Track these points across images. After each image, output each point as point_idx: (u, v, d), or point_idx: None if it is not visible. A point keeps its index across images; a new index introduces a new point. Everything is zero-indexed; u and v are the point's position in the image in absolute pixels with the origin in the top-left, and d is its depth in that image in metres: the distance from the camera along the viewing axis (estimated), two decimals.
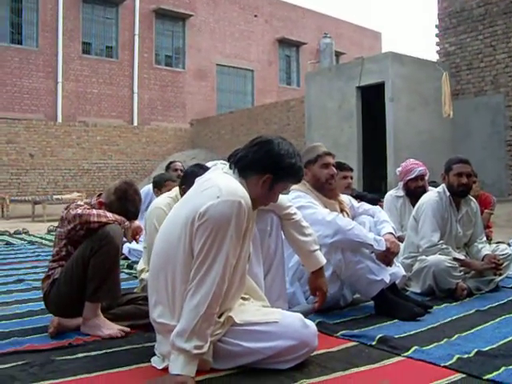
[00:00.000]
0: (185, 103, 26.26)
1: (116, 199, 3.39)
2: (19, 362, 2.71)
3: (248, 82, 29.29)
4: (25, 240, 9.06)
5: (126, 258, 6.14)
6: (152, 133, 21.54)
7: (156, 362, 2.63)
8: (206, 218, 2.35)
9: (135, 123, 23.87)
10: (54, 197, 15.95)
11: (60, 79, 22.71)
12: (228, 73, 28.30)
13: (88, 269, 3.18)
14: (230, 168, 2.64)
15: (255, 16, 29.09)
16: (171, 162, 7.15)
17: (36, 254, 7.15)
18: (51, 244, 8.13)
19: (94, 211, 3.24)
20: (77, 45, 23.44)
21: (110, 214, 3.28)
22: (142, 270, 4.29)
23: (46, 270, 5.44)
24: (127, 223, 3.36)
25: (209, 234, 2.35)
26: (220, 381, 2.47)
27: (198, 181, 2.65)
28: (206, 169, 3.26)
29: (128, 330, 3.23)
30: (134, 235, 3.46)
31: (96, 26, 24.24)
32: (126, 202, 3.40)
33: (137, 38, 24.79)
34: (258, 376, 2.49)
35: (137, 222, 3.49)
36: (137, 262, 5.39)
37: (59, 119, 22.04)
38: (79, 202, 3.42)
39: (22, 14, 22.54)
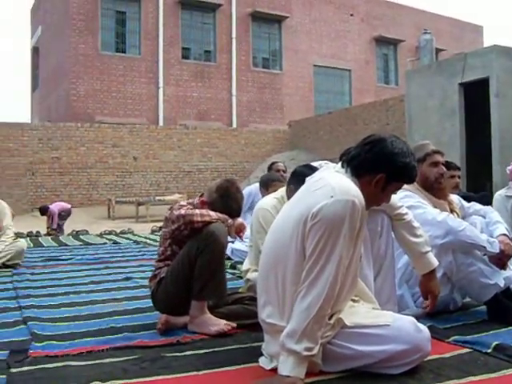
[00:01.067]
0: (282, 105, 26.35)
1: (218, 197, 3.41)
2: (131, 357, 2.78)
3: (345, 82, 29.01)
4: (130, 239, 9.37)
5: (229, 258, 6.19)
6: (251, 135, 21.74)
7: (264, 362, 2.62)
8: (320, 218, 2.31)
9: (234, 125, 24.19)
10: (157, 198, 16.42)
11: (161, 84, 23.39)
12: (325, 73, 28.14)
13: (194, 268, 3.21)
14: (342, 167, 2.59)
15: (351, 15, 28.78)
16: (273, 163, 7.14)
17: (142, 253, 7.37)
18: (155, 244, 8.37)
19: (197, 211, 3.27)
20: (176, 50, 24.07)
21: (213, 213, 3.30)
22: (247, 270, 4.30)
23: (152, 268, 5.67)
24: (230, 221, 3.37)
25: (322, 234, 2.31)
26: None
27: (309, 180, 2.61)
28: (315, 169, 3.21)
29: (235, 325, 3.23)
30: (238, 232, 3.47)
31: (194, 31, 24.79)
32: (228, 200, 3.41)
33: (234, 41, 25.14)
34: (368, 380, 2.42)
35: (240, 220, 3.50)
36: (240, 263, 5.43)
37: (161, 123, 22.70)
38: (182, 203, 3.47)
39: (126, 24, 23.46)
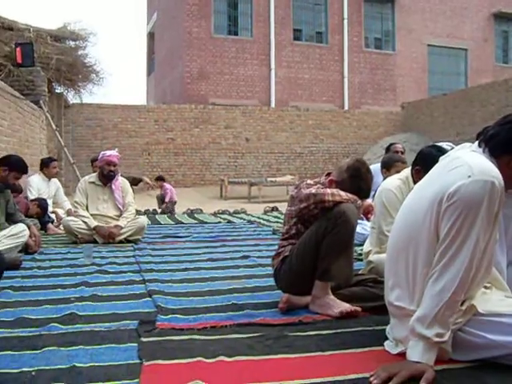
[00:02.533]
0: (395, 86, 25.70)
1: (348, 177, 3.33)
2: (255, 334, 2.78)
3: (461, 62, 27.79)
4: (244, 219, 9.47)
5: None
6: (363, 116, 21.39)
7: (389, 346, 2.53)
8: (456, 199, 2.19)
9: (346, 107, 23.88)
10: (268, 179, 16.54)
11: (273, 66, 23.45)
12: (439, 53, 27.08)
13: (321, 247, 3.16)
14: (479, 146, 2.44)
15: None
16: (391, 144, 6.96)
17: (256, 232, 7.42)
18: (269, 224, 8.43)
19: (328, 190, 3.21)
20: (288, 32, 24.00)
21: (343, 193, 3.22)
22: (368, 252, 4.20)
23: (268, 248, 5.71)
24: (359, 202, 3.29)
25: (458, 215, 2.19)
26: (460, 373, 2.29)
27: (444, 159, 2.48)
28: (443, 150, 3.07)
29: (359, 308, 3.15)
30: (366, 214, 3.39)
31: (306, 12, 24.60)
32: (358, 181, 3.32)
33: (346, 22, 24.73)
34: (501, 372, 2.27)
35: (368, 201, 3.42)
36: (357, 245, 5.32)
37: (272, 104, 22.80)
38: (309, 181, 3.41)
39: (238, 7, 23.65)
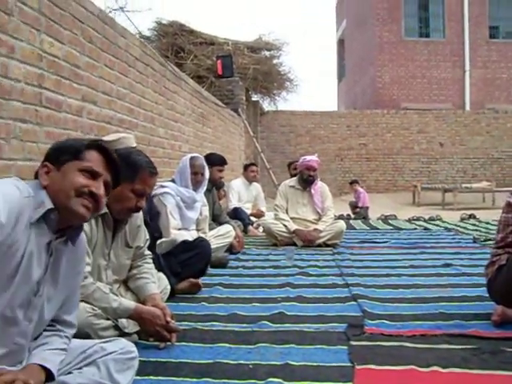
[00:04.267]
0: None
1: None
2: (468, 346, 2.68)
3: None
4: (440, 226, 9.15)
5: None
6: None
7: None
8: None
9: None
10: (463, 185, 15.83)
11: (467, 67, 22.39)
12: None
13: None
14: None
15: None
16: None
17: (456, 240, 7.13)
18: (467, 232, 8.06)
19: None
20: (483, 30, 22.76)
21: None
22: None
23: (470, 256, 5.48)
24: None
25: None
26: None
27: None
28: None
29: None
30: None
31: (504, 8, 23.15)
32: None
33: None
34: None
35: None
36: None
37: (467, 107, 21.77)
38: None
39: (429, 8, 22.91)
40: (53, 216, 1.73)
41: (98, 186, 1.82)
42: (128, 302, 2.67)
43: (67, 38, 3.97)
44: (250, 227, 7.68)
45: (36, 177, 1.83)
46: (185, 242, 4.24)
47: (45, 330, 1.90)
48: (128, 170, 2.66)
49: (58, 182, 1.78)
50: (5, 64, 3.17)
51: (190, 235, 4.65)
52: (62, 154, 1.83)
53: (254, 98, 17.06)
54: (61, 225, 1.78)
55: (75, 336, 2.11)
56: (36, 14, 3.54)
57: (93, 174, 1.82)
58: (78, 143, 1.88)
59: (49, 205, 1.73)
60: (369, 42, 23.50)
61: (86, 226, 2.56)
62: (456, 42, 22.45)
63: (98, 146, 1.89)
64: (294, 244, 6.27)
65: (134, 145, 3.61)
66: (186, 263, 3.96)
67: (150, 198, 3.68)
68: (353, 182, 12.27)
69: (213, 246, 4.72)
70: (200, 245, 4.11)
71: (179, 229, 4.55)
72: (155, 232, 3.89)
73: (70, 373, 1.89)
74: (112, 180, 1.92)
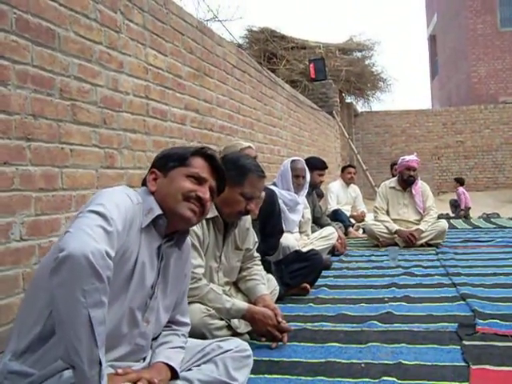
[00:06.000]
0: None
1: None
2: None
3: None
4: None
5: None
6: None
7: None
8: None
9: None
10: None
11: None
12: None
13: None
14: None
15: None
16: None
17: None
18: None
19: None
20: None
21: None
22: None
23: None
24: None
25: None
26: None
27: None
28: None
29: None
30: None
31: None
32: None
33: None
34: None
35: None
36: None
37: None
38: None
39: None
40: (161, 221, 1.81)
41: (204, 191, 1.88)
42: (241, 303, 2.75)
43: (169, 50, 4.14)
44: (351, 229, 7.66)
45: (144, 184, 1.92)
46: (297, 252, 4.26)
47: (163, 331, 1.99)
48: (237, 174, 2.75)
49: (166, 187, 1.85)
50: (115, 78, 3.35)
51: (294, 238, 4.71)
52: (168, 161, 1.90)
53: (348, 99, 16.99)
54: (168, 229, 1.85)
55: (191, 336, 2.20)
56: (141, 30, 3.71)
57: (199, 180, 1.88)
58: (184, 150, 1.95)
59: (157, 210, 1.80)
60: (462, 35, 22.83)
61: (198, 229, 2.67)
62: None
63: (204, 153, 1.95)
64: (396, 244, 6.19)
65: (254, 154, 3.76)
66: (297, 274, 3.95)
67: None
68: (457, 180, 11.97)
69: (316, 248, 4.75)
70: (312, 258, 4.09)
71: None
72: (270, 250, 3.96)
73: (189, 369, 1.97)
74: (217, 186, 1.98)
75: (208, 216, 2.73)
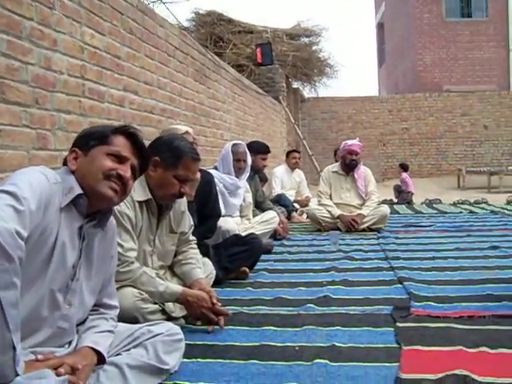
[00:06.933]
0: None
1: None
2: None
3: None
4: (485, 209, 9.00)
5: None
6: None
7: None
8: None
9: None
10: (509, 168, 15.51)
11: None
12: None
13: None
14: None
15: None
16: None
17: (502, 222, 7.00)
18: None
19: None
20: None
21: None
22: None
23: None
24: None
25: None
26: None
27: None
28: None
29: None
30: None
31: None
32: None
33: None
34: None
35: None
36: None
37: None
38: None
39: None
40: (82, 201, 1.77)
41: (125, 170, 1.85)
42: (175, 286, 2.71)
43: (107, 30, 4.03)
44: (294, 213, 7.68)
45: (65, 163, 1.87)
46: (236, 236, 4.24)
47: (90, 315, 1.95)
48: (171, 156, 2.70)
49: (86, 166, 1.81)
50: (48, 57, 3.24)
51: (234, 222, 4.68)
52: (89, 140, 1.86)
53: (295, 85, 17.02)
54: (90, 209, 1.81)
55: (123, 320, 2.15)
56: (76, 7, 3.59)
57: (120, 158, 1.85)
58: (104, 129, 1.92)
59: (78, 190, 1.77)
60: (409, 24, 23.18)
61: (130, 211, 2.62)
62: (499, 21, 22.01)
63: (125, 131, 1.92)
64: (338, 229, 6.23)
65: (191, 140, 3.73)
66: (235, 258, 3.93)
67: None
68: (402, 167, 12.12)
69: (257, 232, 4.74)
70: (251, 241, 4.07)
71: (223, 215, 4.58)
72: (208, 233, 3.93)
73: (118, 354, 1.94)
74: (139, 164, 1.95)
75: (141, 199, 2.69)
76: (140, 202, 2.69)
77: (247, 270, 3.96)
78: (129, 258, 2.58)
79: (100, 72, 3.90)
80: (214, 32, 13.80)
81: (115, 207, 2.13)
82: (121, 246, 2.50)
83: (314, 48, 16.23)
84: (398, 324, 2.73)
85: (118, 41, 4.22)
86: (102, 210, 1.88)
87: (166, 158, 2.69)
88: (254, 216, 5.51)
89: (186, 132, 3.90)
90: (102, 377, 1.81)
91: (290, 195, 8.06)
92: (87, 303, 1.90)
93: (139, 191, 2.69)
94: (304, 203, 8.18)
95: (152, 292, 2.62)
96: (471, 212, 8.62)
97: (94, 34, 3.81)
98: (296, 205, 8.06)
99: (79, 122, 3.58)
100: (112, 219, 1.99)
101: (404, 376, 2.07)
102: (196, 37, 12.63)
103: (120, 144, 1.88)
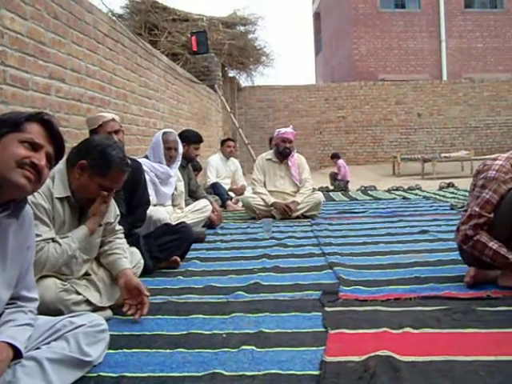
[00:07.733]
0: None
1: None
2: (441, 307, 2.70)
3: None
4: (419, 195, 9.23)
5: None
6: None
7: None
8: None
9: None
10: (442, 155, 15.94)
11: (443, 37, 22.45)
12: None
13: None
14: None
15: None
16: None
17: (433, 208, 7.20)
18: (445, 199, 8.15)
19: None
20: (459, 0, 22.77)
21: None
22: None
23: (446, 222, 5.53)
24: None
25: None
26: None
27: None
28: None
29: None
30: None
31: None
32: None
33: None
34: None
35: None
36: None
37: (444, 77, 21.86)
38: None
39: None
40: None
41: (39, 158, 1.78)
42: (78, 231, 2.66)
43: (29, 14, 3.89)
44: (229, 202, 7.67)
45: None
46: (167, 225, 4.19)
47: (6, 308, 1.87)
48: (100, 165, 2.62)
49: None
50: None
51: (166, 211, 4.63)
52: (1, 127, 1.78)
53: (231, 73, 16.97)
54: (3, 199, 1.74)
55: (47, 314, 2.09)
56: None
57: (34, 146, 1.78)
58: (18, 115, 1.84)
59: None
60: (344, 14, 23.42)
61: (45, 203, 2.54)
62: (431, 13, 22.46)
63: (40, 118, 1.85)
64: (273, 217, 6.26)
65: (117, 127, 3.67)
66: (166, 247, 3.89)
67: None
68: (334, 157, 12.22)
69: (190, 221, 4.71)
70: (182, 230, 4.04)
71: (155, 205, 4.51)
72: (137, 222, 3.88)
73: (38, 348, 1.88)
74: (55, 152, 1.88)
75: (60, 195, 2.61)
76: (61, 198, 2.62)
77: (178, 259, 3.92)
78: (42, 243, 2.49)
79: (23, 58, 3.77)
80: (149, 20, 13.57)
81: (30, 199, 2.05)
82: (39, 236, 2.41)
83: (249, 36, 16.20)
84: (326, 308, 2.75)
85: (42, 26, 4.08)
86: (15, 200, 1.80)
87: (95, 165, 2.60)
88: (188, 205, 5.46)
89: (112, 119, 3.82)
90: (20, 372, 1.75)
91: (226, 184, 8.06)
92: (2, 297, 1.82)
93: (59, 187, 2.61)
94: (239, 192, 8.18)
95: (70, 255, 2.59)
96: (405, 198, 8.83)
97: (14, 18, 3.67)
98: (231, 193, 8.06)
99: (0, 109, 3.45)
100: (28, 209, 1.91)
101: (329, 359, 2.09)
102: (130, 24, 12.43)
103: (34, 131, 1.81)
